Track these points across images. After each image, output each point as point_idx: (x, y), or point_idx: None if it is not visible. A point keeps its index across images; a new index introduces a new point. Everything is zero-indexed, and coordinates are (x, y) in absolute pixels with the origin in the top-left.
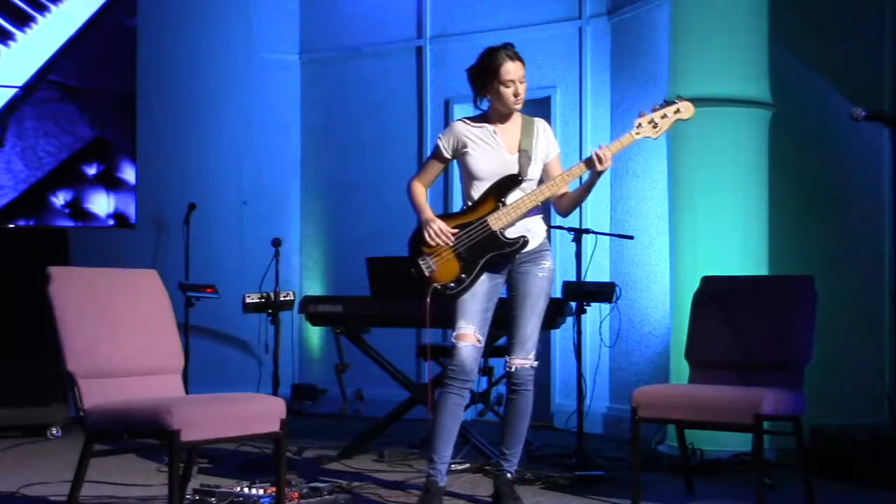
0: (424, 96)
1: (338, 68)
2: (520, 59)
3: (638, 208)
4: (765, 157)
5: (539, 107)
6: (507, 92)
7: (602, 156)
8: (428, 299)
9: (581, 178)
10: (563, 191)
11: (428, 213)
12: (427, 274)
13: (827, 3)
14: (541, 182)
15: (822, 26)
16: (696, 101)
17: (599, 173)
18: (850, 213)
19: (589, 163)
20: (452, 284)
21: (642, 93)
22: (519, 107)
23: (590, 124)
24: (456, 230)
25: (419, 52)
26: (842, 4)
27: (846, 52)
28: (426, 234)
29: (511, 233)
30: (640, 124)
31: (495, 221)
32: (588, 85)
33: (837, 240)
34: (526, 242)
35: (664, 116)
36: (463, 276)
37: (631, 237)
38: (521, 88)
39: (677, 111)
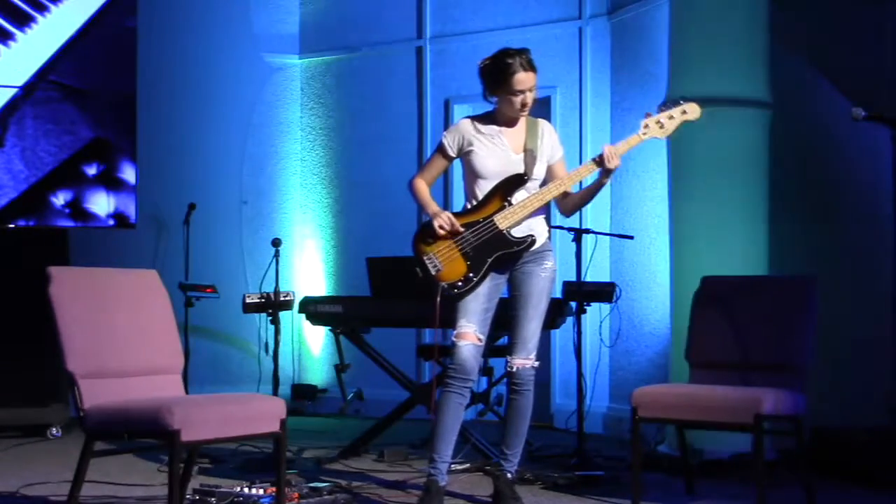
0: (424, 96)
1: (338, 68)
2: (533, 68)
3: (638, 208)
4: (765, 157)
5: (539, 107)
6: (516, 101)
7: (610, 154)
8: (438, 299)
9: (581, 181)
10: (567, 191)
11: (434, 206)
12: (433, 273)
13: (827, 3)
14: (544, 183)
15: (822, 26)
16: (696, 102)
17: (609, 173)
18: (851, 213)
19: (599, 161)
20: (460, 283)
21: (642, 93)
22: (525, 114)
23: (590, 124)
24: (462, 229)
25: (419, 51)
26: (842, 4)
27: (846, 52)
28: (436, 225)
29: (517, 232)
30: (646, 125)
31: (502, 220)
32: (588, 85)
33: (838, 240)
34: (533, 241)
35: (671, 117)
36: (471, 275)
37: (631, 237)
38: (530, 97)
39: (684, 112)
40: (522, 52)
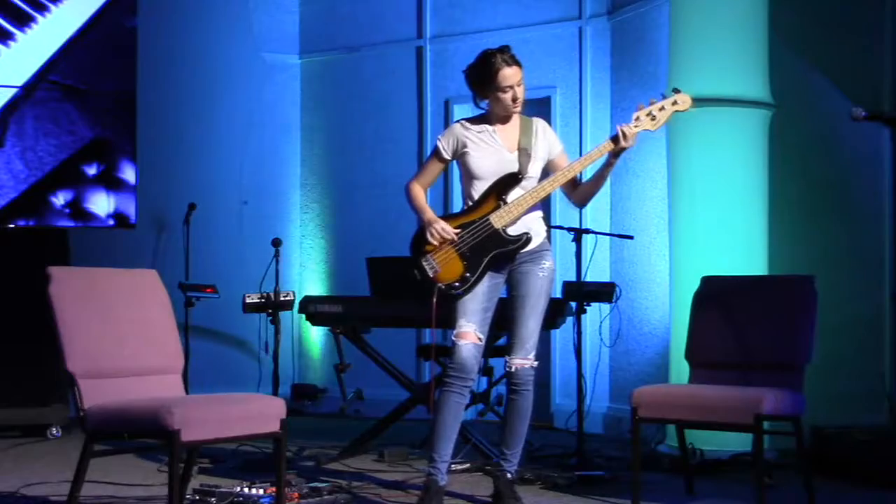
0: (424, 96)
1: (338, 68)
2: (517, 62)
3: (638, 208)
4: (765, 157)
5: (539, 107)
6: (506, 97)
7: (627, 131)
8: (434, 300)
9: (581, 173)
10: (565, 181)
11: (429, 213)
12: (431, 274)
13: (827, 2)
14: (541, 180)
15: (822, 26)
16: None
17: (618, 154)
18: (850, 213)
19: (610, 144)
20: (457, 284)
21: (642, 92)
22: (518, 110)
23: (590, 124)
24: (458, 230)
25: (419, 52)
26: (842, 4)
27: (846, 52)
28: (429, 235)
29: (513, 230)
30: (638, 117)
31: (497, 219)
32: (588, 85)
33: (837, 240)
34: (529, 239)
35: (662, 109)
36: (467, 275)
37: (631, 237)
38: (519, 92)
39: (674, 103)
40: (503, 49)
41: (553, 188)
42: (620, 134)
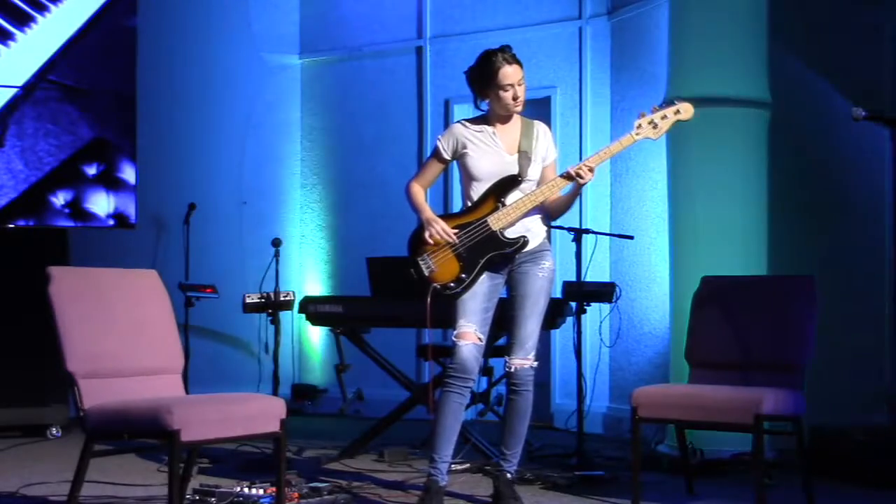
0: (424, 96)
1: (338, 68)
2: (517, 61)
3: (638, 208)
4: (764, 157)
5: (539, 107)
6: (507, 96)
7: (577, 172)
8: (428, 299)
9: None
10: (563, 187)
11: (428, 213)
12: (427, 274)
13: (827, 3)
14: (540, 183)
15: (822, 26)
16: (696, 101)
17: (581, 185)
18: (850, 213)
19: (567, 177)
20: (452, 284)
21: (642, 93)
22: (519, 109)
23: (590, 124)
24: (456, 230)
25: (419, 52)
26: (842, 4)
27: (846, 52)
28: (428, 234)
29: (511, 233)
30: (639, 125)
31: (495, 222)
32: (588, 85)
33: (837, 240)
34: (526, 242)
35: (664, 117)
36: (463, 275)
37: (631, 237)
38: (520, 91)
39: (677, 112)
40: (503, 48)
41: (551, 193)
42: (574, 174)
